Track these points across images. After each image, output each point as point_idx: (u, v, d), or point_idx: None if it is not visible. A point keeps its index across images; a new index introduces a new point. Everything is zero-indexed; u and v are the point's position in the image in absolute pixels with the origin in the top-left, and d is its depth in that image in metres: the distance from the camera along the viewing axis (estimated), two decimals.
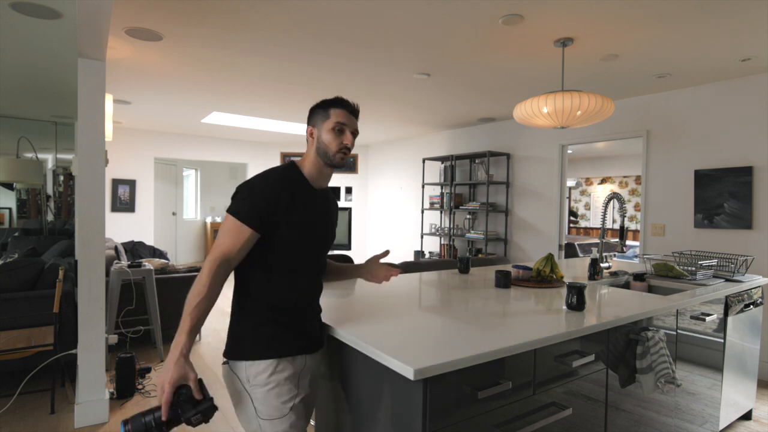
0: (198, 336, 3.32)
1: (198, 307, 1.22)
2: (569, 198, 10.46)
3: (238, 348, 1.36)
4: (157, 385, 1.20)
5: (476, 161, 6.03)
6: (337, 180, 8.51)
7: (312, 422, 2.01)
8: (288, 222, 1.34)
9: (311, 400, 1.49)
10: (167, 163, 8.34)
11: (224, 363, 1.39)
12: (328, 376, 1.64)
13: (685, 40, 3.00)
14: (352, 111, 1.48)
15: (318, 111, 1.47)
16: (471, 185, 6.32)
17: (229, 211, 1.31)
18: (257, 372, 1.32)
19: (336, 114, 1.44)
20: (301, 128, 6.42)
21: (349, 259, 2.77)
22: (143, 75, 4.01)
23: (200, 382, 1.22)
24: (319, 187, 1.48)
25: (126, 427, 1.12)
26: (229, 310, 1.47)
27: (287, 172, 1.41)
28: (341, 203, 8.57)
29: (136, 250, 5.86)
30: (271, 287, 1.37)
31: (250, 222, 1.29)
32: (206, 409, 1.19)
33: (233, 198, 1.34)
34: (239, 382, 1.34)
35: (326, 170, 1.47)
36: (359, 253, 8.46)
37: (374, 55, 3.42)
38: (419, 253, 6.75)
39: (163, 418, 1.14)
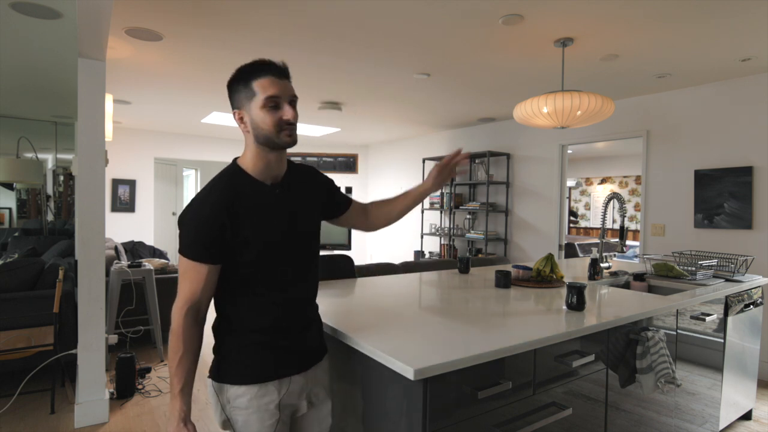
0: None
1: (181, 365, 1.15)
2: (569, 198, 10.46)
3: (218, 369, 1.25)
4: None
5: (476, 161, 6.03)
6: (338, 180, 8.50)
7: None
8: (241, 241, 1.18)
9: (311, 417, 1.36)
10: (167, 163, 8.33)
11: (209, 377, 1.29)
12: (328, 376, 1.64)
13: (685, 40, 3.00)
14: (280, 73, 1.20)
15: (238, 88, 1.20)
16: (471, 185, 6.32)
17: (179, 251, 1.18)
18: (237, 395, 1.21)
19: (262, 87, 1.16)
20: (301, 128, 6.40)
21: (349, 260, 2.71)
22: (143, 75, 4.01)
23: None
24: (272, 180, 1.25)
25: None
26: None
27: (225, 181, 1.22)
28: None
29: (136, 250, 5.86)
30: (244, 307, 1.24)
31: (202, 258, 1.15)
32: None
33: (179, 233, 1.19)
34: (220, 402, 1.24)
35: (273, 157, 1.23)
36: (359, 252, 8.46)
37: (374, 55, 3.42)
38: (419, 253, 6.75)
39: None
